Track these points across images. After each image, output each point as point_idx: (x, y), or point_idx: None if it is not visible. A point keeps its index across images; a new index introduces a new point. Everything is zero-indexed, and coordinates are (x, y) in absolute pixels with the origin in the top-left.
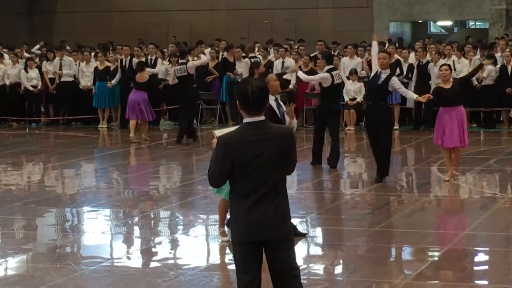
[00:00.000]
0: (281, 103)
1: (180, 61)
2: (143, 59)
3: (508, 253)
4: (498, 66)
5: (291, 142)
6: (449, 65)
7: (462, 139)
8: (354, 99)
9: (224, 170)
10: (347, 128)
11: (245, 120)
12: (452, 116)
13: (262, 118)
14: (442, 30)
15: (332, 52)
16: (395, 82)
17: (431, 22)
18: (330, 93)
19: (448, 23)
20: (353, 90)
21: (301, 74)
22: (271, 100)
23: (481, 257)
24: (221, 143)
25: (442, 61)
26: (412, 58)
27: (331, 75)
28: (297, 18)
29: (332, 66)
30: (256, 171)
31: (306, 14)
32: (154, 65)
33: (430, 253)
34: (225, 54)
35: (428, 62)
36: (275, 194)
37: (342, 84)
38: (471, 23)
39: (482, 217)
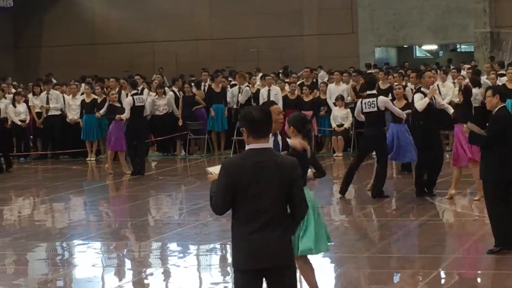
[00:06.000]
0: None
1: (133, 91)
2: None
3: (496, 275)
4: (483, 88)
5: (296, 172)
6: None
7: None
8: (341, 125)
9: (228, 195)
10: (335, 155)
11: (250, 146)
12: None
13: (268, 145)
14: (428, 54)
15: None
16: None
17: (416, 47)
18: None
19: (433, 47)
20: (340, 116)
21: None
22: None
23: (471, 280)
24: (224, 168)
25: None
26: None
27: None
28: (282, 45)
29: None
30: (258, 198)
31: (292, 41)
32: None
33: (420, 277)
34: (211, 83)
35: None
36: (277, 222)
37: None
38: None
39: (471, 240)
